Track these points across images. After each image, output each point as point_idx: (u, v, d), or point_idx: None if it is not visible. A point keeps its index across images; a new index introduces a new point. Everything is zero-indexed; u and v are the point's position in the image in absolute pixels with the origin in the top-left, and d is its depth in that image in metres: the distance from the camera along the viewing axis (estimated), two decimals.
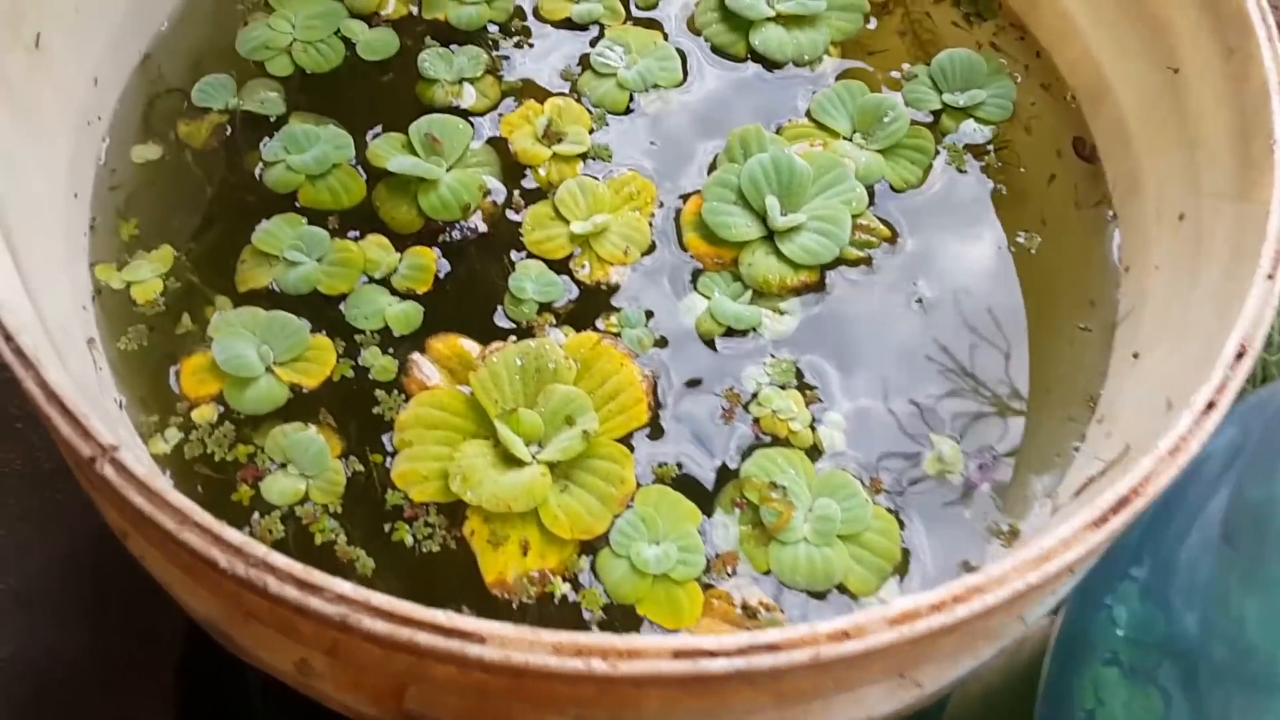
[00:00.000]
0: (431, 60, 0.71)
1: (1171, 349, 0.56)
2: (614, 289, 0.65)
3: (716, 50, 0.75)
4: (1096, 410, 0.63)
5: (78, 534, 0.76)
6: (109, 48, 0.66)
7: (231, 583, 0.42)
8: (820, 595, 0.57)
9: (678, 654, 0.40)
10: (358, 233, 0.66)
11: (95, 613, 0.74)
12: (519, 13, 0.75)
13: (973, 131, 0.73)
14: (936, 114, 0.73)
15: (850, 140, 0.71)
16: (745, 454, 0.60)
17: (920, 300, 0.66)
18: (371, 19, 0.74)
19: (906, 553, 0.59)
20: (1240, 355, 0.47)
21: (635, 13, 0.76)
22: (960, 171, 0.71)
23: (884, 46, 0.76)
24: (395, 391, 0.61)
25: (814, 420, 0.62)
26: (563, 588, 0.56)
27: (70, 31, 0.61)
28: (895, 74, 0.75)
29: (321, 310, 0.63)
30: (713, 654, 0.40)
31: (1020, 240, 0.69)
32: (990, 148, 0.72)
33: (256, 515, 0.57)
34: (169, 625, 0.72)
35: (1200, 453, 0.47)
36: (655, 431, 0.61)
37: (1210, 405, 0.45)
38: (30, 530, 0.76)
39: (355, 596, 0.41)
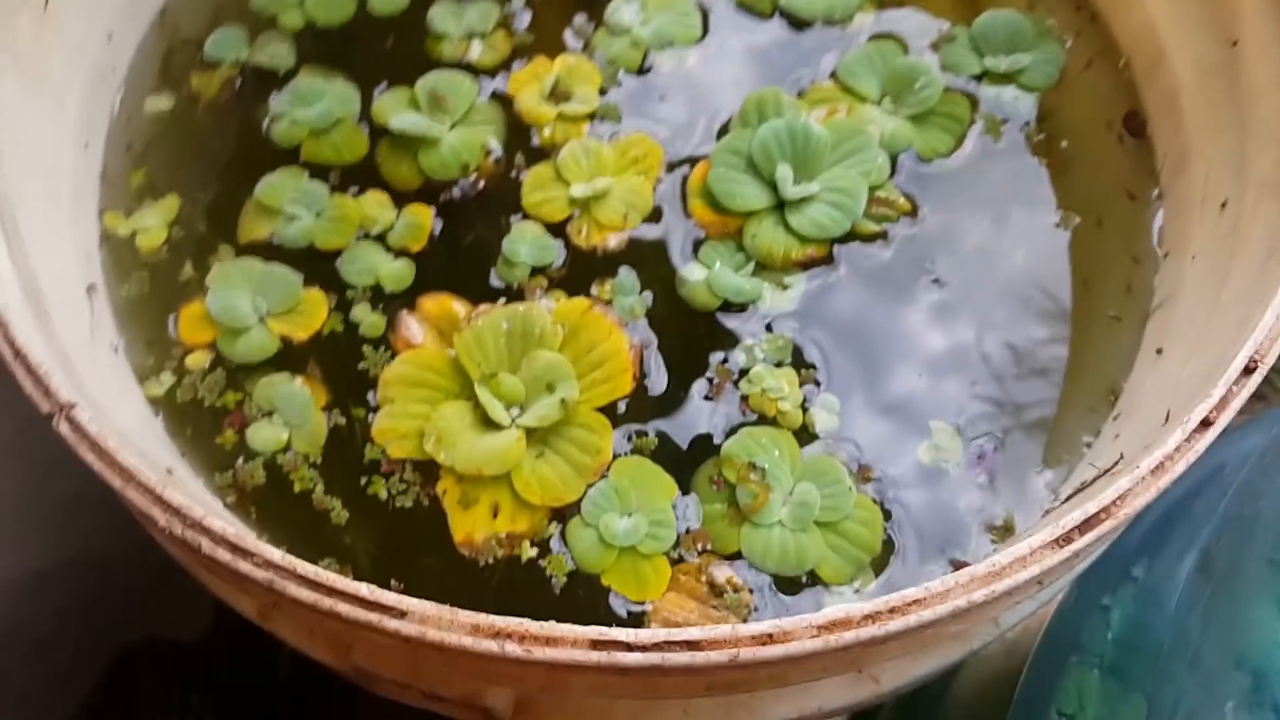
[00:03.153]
0: (442, 16, 0.70)
1: (1190, 350, 0.51)
2: (611, 255, 0.63)
3: (741, 5, 0.71)
4: (1116, 405, 0.59)
5: None
6: (123, 4, 0.66)
7: (174, 540, 0.43)
8: (791, 581, 0.55)
9: (595, 644, 0.39)
10: (357, 188, 0.65)
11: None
12: None
13: (1013, 99, 0.68)
14: (977, 79, 0.69)
15: (879, 105, 0.67)
16: (730, 432, 0.58)
17: (937, 280, 0.63)
18: None
19: (891, 544, 0.56)
20: (1249, 370, 0.42)
21: None
22: (995, 142, 0.67)
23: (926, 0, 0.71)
24: (382, 348, 0.60)
25: (805, 401, 0.59)
26: (530, 552, 0.55)
27: None
28: (935, 33, 0.70)
29: (317, 265, 0.63)
30: (629, 647, 0.39)
31: (1054, 219, 0.64)
32: (1032, 118, 0.67)
33: (241, 460, 0.58)
34: None
35: (1213, 462, 0.43)
36: (638, 402, 0.59)
37: (1205, 423, 0.41)
38: None
39: (283, 564, 0.41)
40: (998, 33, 0.69)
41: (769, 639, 0.39)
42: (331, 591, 0.40)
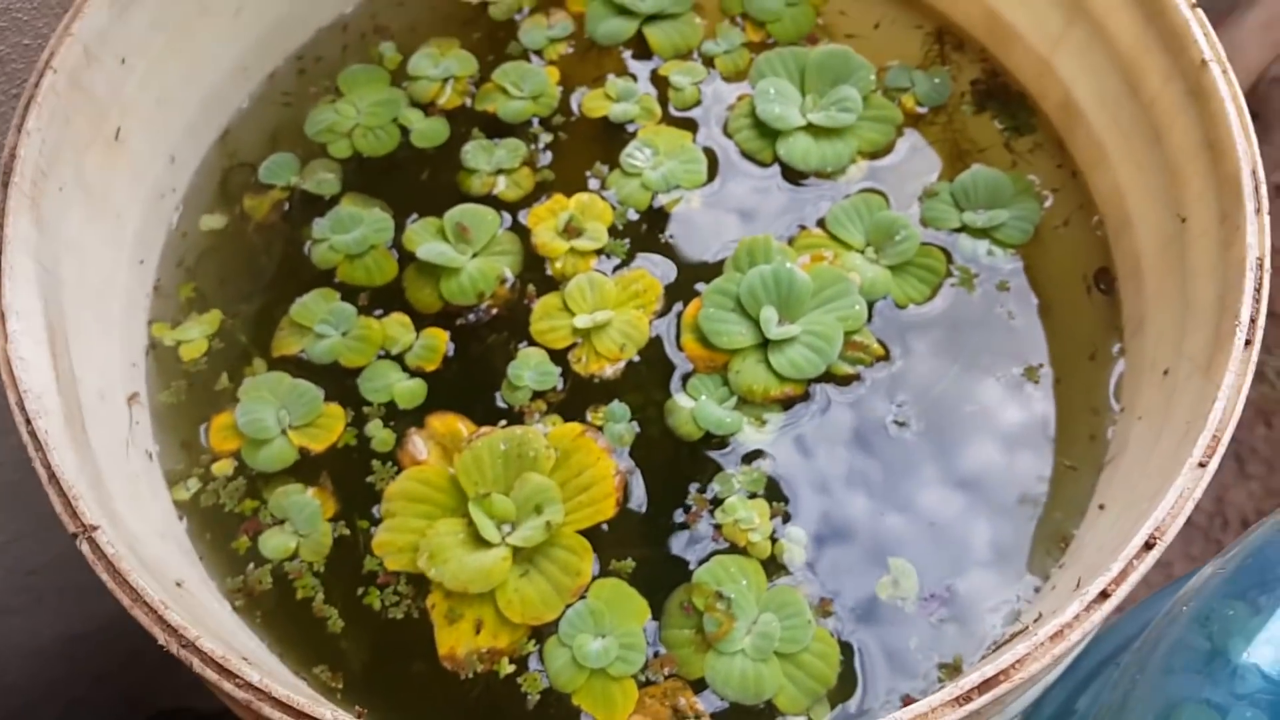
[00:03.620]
0: (474, 152, 0.77)
1: (1120, 512, 0.55)
2: (607, 383, 0.69)
3: (744, 154, 0.77)
4: (1065, 554, 0.62)
5: None
6: (187, 130, 0.74)
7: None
8: (748, 709, 0.59)
9: None
10: (382, 310, 0.72)
11: None
12: (563, 108, 0.79)
13: (987, 253, 0.72)
14: (957, 231, 0.74)
15: (863, 254, 0.72)
16: (703, 559, 0.63)
17: (903, 423, 0.67)
18: (428, 108, 0.80)
19: (847, 676, 0.60)
20: (1149, 545, 0.46)
21: (673, 112, 0.79)
22: (969, 294, 0.71)
23: (916, 155, 0.77)
24: (389, 463, 0.66)
25: (774, 533, 0.64)
26: (508, 668, 0.60)
27: (149, 121, 0.70)
28: (920, 186, 0.75)
29: (340, 380, 0.69)
30: None
31: (1019, 369, 0.69)
32: (1005, 272, 0.72)
33: (251, 566, 0.64)
34: None
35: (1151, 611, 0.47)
36: (619, 526, 0.64)
37: (1103, 594, 0.45)
38: None
39: (260, 686, 0.46)
40: (978, 189, 0.74)
41: None
42: (299, 716, 0.46)
